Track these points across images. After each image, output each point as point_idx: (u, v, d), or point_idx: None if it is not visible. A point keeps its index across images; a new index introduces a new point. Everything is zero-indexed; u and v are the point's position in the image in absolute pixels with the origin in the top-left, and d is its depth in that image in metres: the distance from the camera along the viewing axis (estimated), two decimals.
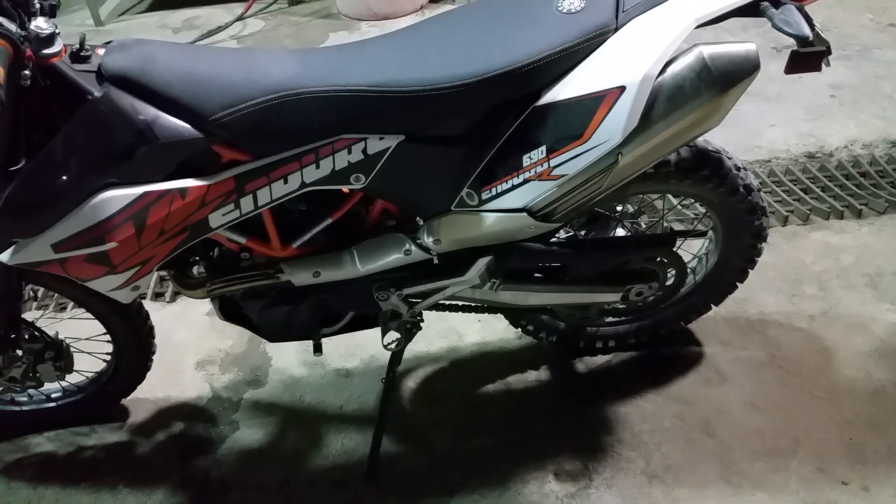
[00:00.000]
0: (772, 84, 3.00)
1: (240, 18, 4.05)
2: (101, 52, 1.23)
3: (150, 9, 4.31)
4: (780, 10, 1.20)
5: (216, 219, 1.29)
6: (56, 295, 2.21)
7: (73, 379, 1.77)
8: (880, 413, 1.68)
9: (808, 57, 1.23)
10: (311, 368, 1.95)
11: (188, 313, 2.16)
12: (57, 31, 1.16)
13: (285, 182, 1.28)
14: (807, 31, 1.17)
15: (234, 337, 2.06)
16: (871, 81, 3.00)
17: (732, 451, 1.63)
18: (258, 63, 1.25)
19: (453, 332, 2.01)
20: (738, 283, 1.77)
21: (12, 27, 1.06)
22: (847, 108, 2.86)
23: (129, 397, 1.85)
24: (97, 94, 1.17)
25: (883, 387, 1.74)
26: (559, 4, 1.26)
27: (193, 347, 2.04)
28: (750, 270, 1.73)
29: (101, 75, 1.19)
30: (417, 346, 1.96)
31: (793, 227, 2.28)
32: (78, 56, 1.21)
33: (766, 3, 1.22)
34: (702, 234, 1.76)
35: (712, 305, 1.83)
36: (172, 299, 2.22)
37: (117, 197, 1.19)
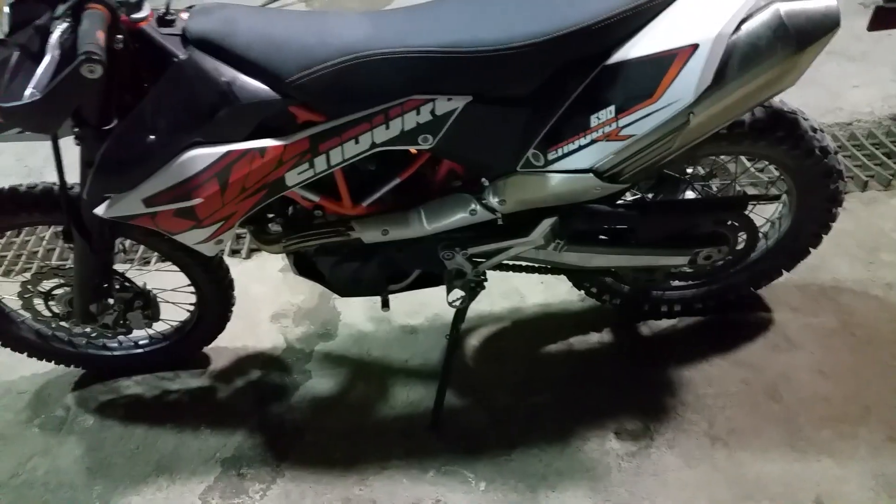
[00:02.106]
0: (857, 42, 2.86)
1: None
2: (184, 16, 1.29)
3: None
4: None
5: (292, 177, 1.35)
6: (142, 248, 2.35)
7: (158, 327, 1.89)
8: None
9: (893, 12, 1.18)
10: (378, 324, 2.02)
11: (263, 269, 2.26)
12: None
13: (356, 142, 1.32)
14: None
15: (306, 292, 2.15)
16: None
17: (799, 417, 1.62)
18: (332, 26, 1.29)
19: (516, 293, 2.04)
20: (811, 249, 1.73)
21: None
22: None
23: (209, 346, 1.97)
24: (182, 56, 1.23)
25: None
26: None
27: (268, 301, 2.14)
28: (824, 235, 1.69)
29: (186, 39, 1.25)
30: (480, 306, 2.00)
31: (872, 192, 2.20)
32: (164, 20, 1.27)
33: None
34: (775, 198, 1.72)
35: (784, 271, 1.80)
36: (248, 256, 2.33)
37: (202, 155, 1.26)
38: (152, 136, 1.25)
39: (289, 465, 1.69)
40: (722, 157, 1.66)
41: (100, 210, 1.33)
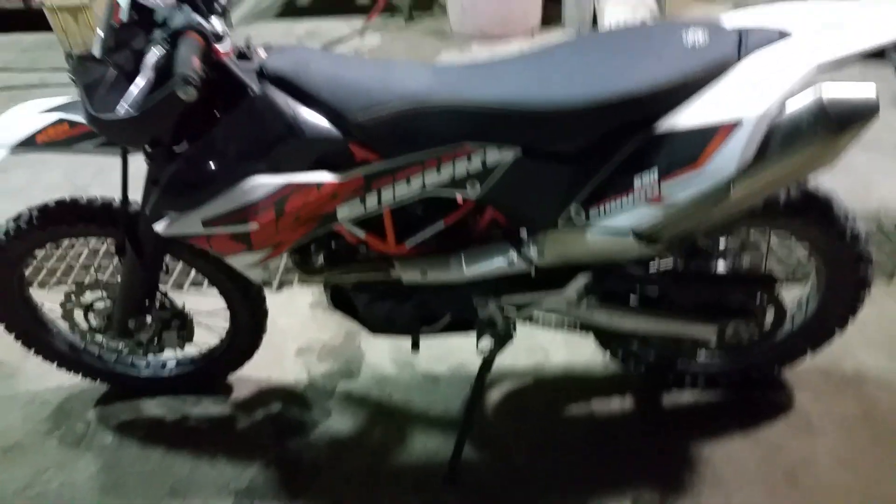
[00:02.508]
0: (890, 135, 2.93)
1: (361, 31, 4.29)
2: (262, 53, 1.38)
3: (277, 16, 4.63)
4: None
5: (343, 212, 1.41)
6: (177, 270, 2.42)
7: (187, 351, 1.93)
8: None
9: None
10: (401, 368, 2.04)
11: (292, 302, 2.31)
12: (227, 31, 1.32)
13: (408, 183, 1.38)
14: None
15: (333, 329, 2.19)
16: None
17: None
18: (396, 73, 1.37)
19: (540, 349, 2.06)
20: (837, 331, 1.75)
21: (206, 24, 1.21)
22: None
23: (234, 374, 2.00)
24: (257, 90, 1.31)
25: None
26: (685, 39, 1.32)
27: (295, 335, 2.18)
28: (851, 319, 1.71)
29: (262, 74, 1.33)
30: (504, 361, 2.01)
31: None
32: (242, 54, 1.36)
33: (892, 51, 1.24)
34: (802, 279, 1.75)
35: (809, 353, 1.81)
36: (279, 288, 2.38)
37: (264, 183, 1.33)
38: (220, 162, 1.33)
39: None
40: (755, 231, 1.70)
41: (160, 227, 1.40)
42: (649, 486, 1.66)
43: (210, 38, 1.22)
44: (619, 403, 1.88)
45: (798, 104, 1.25)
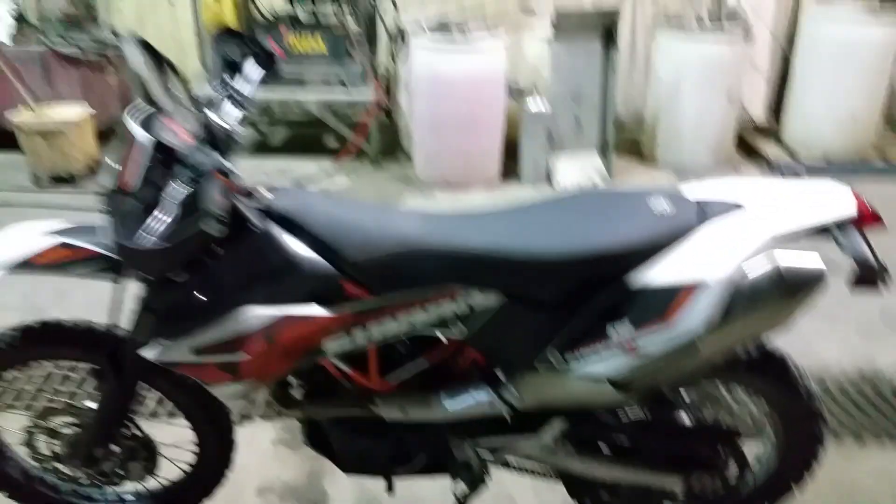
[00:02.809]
0: (825, 300, 3.14)
1: (330, 172, 4.51)
2: (266, 193, 1.48)
3: (250, 153, 4.82)
4: (845, 237, 1.39)
5: (331, 346, 1.46)
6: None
7: (148, 485, 1.87)
8: None
9: (868, 277, 1.40)
10: None
11: (254, 438, 2.27)
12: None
13: (396, 321, 1.45)
14: (869, 256, 1.35)
15: (296, 468, 2.15)
16: None
17: None
18: (390, 217, 1.49)
19: (507, 498, 2.06)
20: (794, 487, 1.81)
21: (228, 166, 1.31)
22: None
23: None
24: (261, 228, 1.40)
25: None
26: (651, 206, 1.47)
27: (256, 473, 2.13)
28: (807, 475, 1.78)
29: (265, 213, 1.43)
30: None
31: (847, 444, 2.32)
32: (248, 193, 1.46)
33: (835, 230, 1.41)
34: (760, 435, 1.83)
35: None
36: (240, 423, 2.34)
37: (258, 315, 1.38)
38: (217, 292, 1.38)
39: None
40: (716, 385, 1.79)
41: (150, 353, 1.42)
42: None
43: (232, 179, 1.31)
44: None
45: (756, 270, 1.39)
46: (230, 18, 4.47)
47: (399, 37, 4.57)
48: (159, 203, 1.24)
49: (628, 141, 5.42)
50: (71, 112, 4.44)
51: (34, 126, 4.29)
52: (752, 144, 5.12)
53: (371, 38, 4.78)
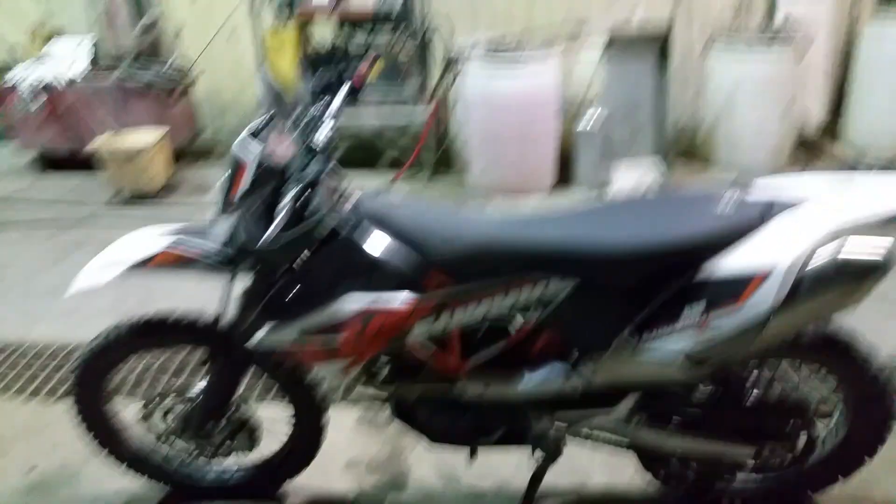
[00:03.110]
0: None
1: (390, 183, 4.67)
2: (356, 194, 1.63)
3: None
4: None
5: (418, 329, 1.59)
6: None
7: (248, 459, 2.05)
8: None
9: None
10: (447, 483, 2.14)
11: (339, 419, 2.42)
12: None
13: (478, 306, 1.57)
14: None
15: (380, 445, 2.30)
16: None
17: None
18: (470, 217, 1.62)
19: (581, 470, 2.16)
20: (866, 459, 1.86)
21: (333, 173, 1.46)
22: None
23: (287, 485, 2.10)
24: (352, 226, 1.54)
25: None
26: (718, 207, 1.55)
27: (343, 449, 2.29)
28: (880, 447, 1.83)
29: (355, 213, 1.57)
30: (546, 481, 2.10)
31: None
32: (343, 195, 1.61)
33: None
34: (830, 410, 1.88)
35: (840, 478, 1.91)
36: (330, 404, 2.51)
37: (356, 300, 1.53)
38: (319, 282, 1.53)
39: None
40: (788, 362, 1.85)
41: (258, 337, 1.58)
42: None
43: (335, 184, 1.46)
44: None
45: (822, 257, 1.46)
46: (290, 62, 4.66)
47: (454, 59, 4.68)
48: (279, 208, 1.41)
49: (682, 151, 5.41)
50: (147, 136, 4.78)
51: (115, 149, 4.62)
52: (816, 145, 5.12)
53: (425, 59, 4.94)
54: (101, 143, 4.65)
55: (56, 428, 2.44)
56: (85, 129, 5.09)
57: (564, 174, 4.72)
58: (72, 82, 5.02)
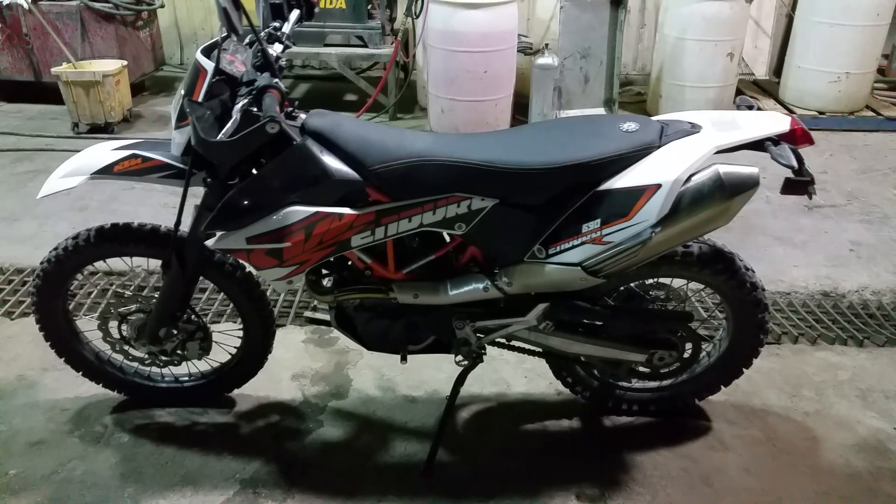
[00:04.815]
0: (800, 234, 3.47)
1: None
2: (303, 115, 1.80)
3: None
4: (777, 147, 1.70)
5: (356, 240, 1.79)
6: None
7: (200, 366, 2.24)
8: (853, 491, 2.00)
9: (797, 184, 1.72)
10: (384, 392, 2.37)
11: (288, 338, 2.64)
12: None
13: (409, 221, 1.78)
14: (794, 162, 1.66)
15: (324, 360, 2.52)
16: (887, 243, 3.44)
17: (725, 499, 1.96)
18: (407, 136, 1.81)
19: (503, 381, 2.43)
20: (744, 369, 2.16)
21: (282, 85, 1.63)
22: (864, 261, 3.28)
23: (235, 392, 2.30)
24: (299, 141, 1.72)
25: (859, 472, 2.06)
26: (621, 125, 1.78)
27: (290, 364, 2.50)
28: (755, 358, 2.13)
29: (303, 129, 1.75)
30: (472, 389, 2.36)
31: (802, 345, 2.66)
32: (289, 115, 1.78)
33: (768, 143, 1.73)
34: (714, 328, 2.17)
35: (722, 387, 2.21)
36: (277, 325, 2.70)
37: (299, 211, 1.72)
38: (265, 193, 1.72)
39: (298, 491, 1.98)
40: (676, 281, 2.12)
41: (211, 242, 1.76)
42: (590, 483, 2.00)
43: (285, 97, 1.64)
44: (567, 423, 2.24)
45: (702, 175, 1.71)
46: None
47: None
48: (234, 111, 1.57)
49: (636, 97, 5.69)
50: (108, 66, 4.78)
51: (74, 78, 4.61)
52: (764, 90, 5.43)
53: None
54: (59, 72, 4.64)
55: (14, 343, 2.59)
56: (44, 57, 5.08)
57: (519, 122, 4.92)
58: (35, 2, 4.93)
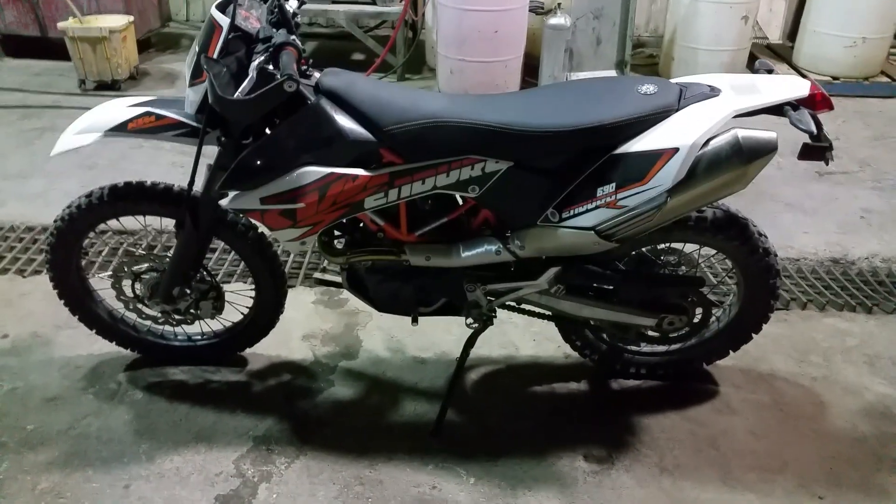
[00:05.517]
0: (810, 200, 3.45)
1: None
2: (317, 74, 1.78)
3: None
4: (796, 112, 1.68)
5: (369, 202, 1.79)
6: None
7: (213, 325, 2.26)
8: (859, 455, 2.02)
9: (815, 149, 1.70)
10: (394, 353, 2.39)
11: (298, 299, 2.65)
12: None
13: (423, 183, 1.78)
14: (813, 128, 1.64)
15: (334, 321, 2.54)
16: None
17: (731, 462, 1.99)
18: (421, 97, 1.79)
19: (511, 345, 2.44)
20: (753, 334, 2.16)
21: (298, 42, 1.61)
22: (874, 228, 3.27)
23: (247, 351, 2.32)
24: (313, 100, 1.71)
25: (865, 437, 2.09)
26: (639, 88, 1.76)
27: (301, 324, 2.52)
28: (764, 324, 2.13)
29: (317, 89, 1.73)
30: (481, 352, 2.38)
31: (810, 311, 2.67)
32: (303, 73, 1.76)
33: (787, 107, 1.70)
34: (725, 293, 2.17)
35: (730, 351, 2.22)
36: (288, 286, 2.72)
37: (313, 172, 1.71)
38: (279, 153, 1.71)
39: (310, 448, 2.01)
40: (689, 247, 2.12)
41: (224, 202, 1.76)
42: (598, 445, 2.03)
43: (301, 52, 1.62)
44: (575, 385, 2.26)
45: (721, 139, 1.70)
46: None
47: None
48: (250, 69, 1.56)
49: (648, 59, 5.60)
50: (114, 21, 4.71)
51: (80, 34, 4.56)
52: (778, 55, 5.35)
53: None
54: (66, 27, 4.58)
55: (27, 300, 2.61)
56: (50, 12, 5.00)
57: (530, 84, 4.85)
58: None
